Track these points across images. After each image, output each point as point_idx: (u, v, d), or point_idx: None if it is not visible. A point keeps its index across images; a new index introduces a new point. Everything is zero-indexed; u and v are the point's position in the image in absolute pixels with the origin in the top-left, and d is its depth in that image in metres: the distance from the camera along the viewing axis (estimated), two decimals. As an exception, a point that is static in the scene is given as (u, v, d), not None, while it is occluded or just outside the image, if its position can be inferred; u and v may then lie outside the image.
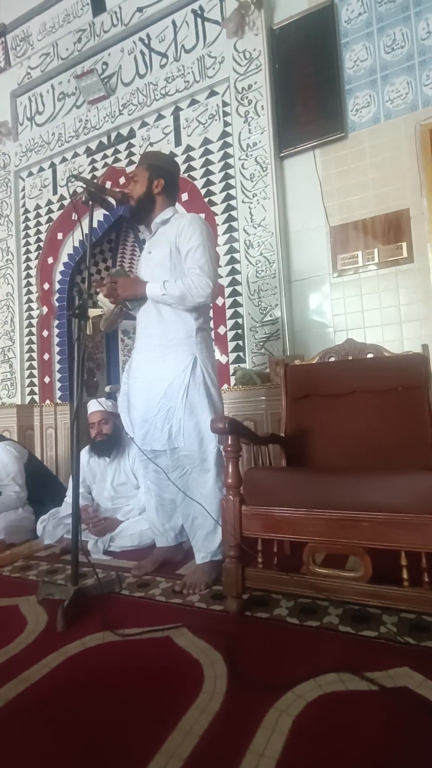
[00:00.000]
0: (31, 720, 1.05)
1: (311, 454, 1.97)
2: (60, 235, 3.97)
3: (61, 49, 3.91)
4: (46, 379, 3.99)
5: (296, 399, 2.13)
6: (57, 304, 3.97)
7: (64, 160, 3.97)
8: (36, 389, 4.04)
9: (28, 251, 4.16)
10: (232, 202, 3.17)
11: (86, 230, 1.83)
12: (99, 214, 3.63)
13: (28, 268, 4.14)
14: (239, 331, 3.13)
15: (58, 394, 3.94)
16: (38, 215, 4.10)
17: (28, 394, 4.07)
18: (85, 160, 3.85)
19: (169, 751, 0.92)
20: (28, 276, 4.14)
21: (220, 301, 3.16)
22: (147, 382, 1.86)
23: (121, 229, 4.16)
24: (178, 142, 3.40)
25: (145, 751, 0.92)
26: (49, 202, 4.04)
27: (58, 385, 3.96)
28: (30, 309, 4.12)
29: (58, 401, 3.92)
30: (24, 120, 4.19)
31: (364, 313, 2.86)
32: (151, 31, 3.51)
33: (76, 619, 1.48)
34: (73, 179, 3.79)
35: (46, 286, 4.00)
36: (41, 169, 4.10)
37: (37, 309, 4.07)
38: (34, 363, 4.06)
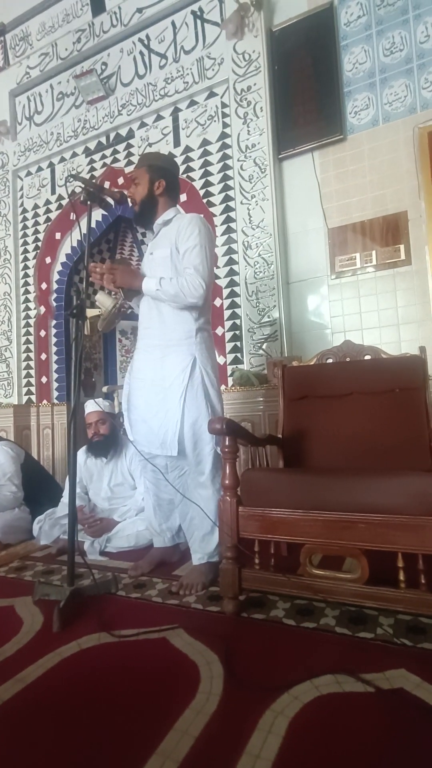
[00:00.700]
0: (27, 721, 1.04)
1: (308, 455, 1.97)
2: (58, 235, 3.96)
3: (60, 49, 3.91)
4: (44, 379, 3.98)
5: (294, 400, 2.13)
6: (54, 304, 3.96)
7: (62, 160, 3.96)
8: (33, 389, 4.03)
9: (26, 251, 4.15)
10: (231, 204, 3.17)
11: (84, 230, 1.83)
12: (97, 214, 3.63)
13: (26, 267, 4.14)
14: (237, 332, 3.13)
15: (55, 394, 3.93)
16: (36, 215, 4.10)
17: (25, 394, 4.06)
18: (84, 160, 3.84)
19: (165, 752, 0.92)
20: (26, 276, 4.13)
21: (218, 302, 3.16)
22: (147, 383, 1.86)
23: (120, 229, 4.16)
24: (176, 143, 3.40)
25: (142, 752, 0.92)
26: (48, 202, 4.03)
27: (55, 385, 3.94)
28: (27, 309, 4.11)
29: (55, 401, 3.90)
30: (23, 119, 4.19)
31: (362, 314, 2.87)
32: (151, 31, 3.52)
33: (72, 619, 1.48)
34: (71, 179, 3.80)
35: (44, 285, 4.00)
36: (40, 169, 4.10)
37: (35, 309, 4.06)
38: (32, 363, 4.05)
